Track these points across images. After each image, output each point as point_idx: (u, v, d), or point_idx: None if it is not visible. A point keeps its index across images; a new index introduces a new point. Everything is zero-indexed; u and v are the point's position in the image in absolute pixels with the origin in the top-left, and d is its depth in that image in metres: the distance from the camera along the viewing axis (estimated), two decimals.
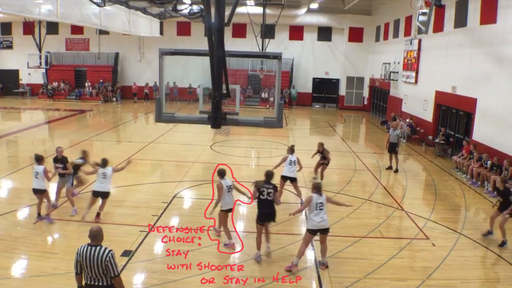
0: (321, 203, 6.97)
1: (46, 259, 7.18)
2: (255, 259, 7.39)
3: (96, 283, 4.61)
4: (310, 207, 7.00)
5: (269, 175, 7.55)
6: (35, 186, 8.58)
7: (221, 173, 7.83)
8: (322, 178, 12.10)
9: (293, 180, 10.28)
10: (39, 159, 8.66)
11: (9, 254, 7.31)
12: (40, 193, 8.62)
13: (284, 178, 10.29)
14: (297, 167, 10.32)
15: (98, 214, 8.79)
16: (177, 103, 28.99)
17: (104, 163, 8.84)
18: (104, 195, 8.85)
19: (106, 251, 4.57)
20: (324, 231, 7.08)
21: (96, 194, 8.80)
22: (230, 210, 7.83)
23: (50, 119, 23.90)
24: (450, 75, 16.64)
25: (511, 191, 8.54)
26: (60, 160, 9.19)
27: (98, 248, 4.58)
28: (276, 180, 8.01)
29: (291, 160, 10.26)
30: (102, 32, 29.41)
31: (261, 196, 7.35)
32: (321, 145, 12.12)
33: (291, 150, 10.53)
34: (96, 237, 4.66)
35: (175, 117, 8.50)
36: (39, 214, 8.78)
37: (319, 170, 12.23)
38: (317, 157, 12.31)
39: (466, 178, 13.29)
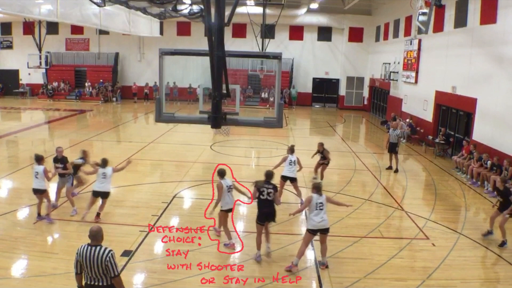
0: (321, 203, 6.97)
1: (46, 259, 7.18)
2: (255, 259, 7.39)
3: (96, 283, 4.61)
4: (310, 207, 7.00)
5: (269, 175, 7.55)
6: (35, 186, 8.59)
7: (221, 173, 7.83)
8: (322, 178, 12.10)
9: (293, 180, 10.28)
10: (39, 159, 8.67)
11: (9, 254, 7.31)
12: (40, 193, 8.63)
13: (284, 178, 10.28)
14: (297, 167, 10.33)
15: (98, 214, 8.79)
16: (177, 103, 29.00)
17: (104, 163, 8.84)
18: (104, 195, 8.85)
19: (106, 251, 4.57)
20: (324, 231, 7.09)
21: (96, 194, 8.81)
22: (230, 210, 7.82)
23: (50, 119, 23.90)
24: (450, 75, 16.63)
25: (511, 191, 8.54)
26: (60, 160, 9.19)
27: (98, 248, 4.58)
28: (276, 180, 8.00)
29: (291, 160, 10.25)
30: (102, 32, 29.41)
31: (261, 196, 7.35)
32: (321, 145, 12.11)
33: (291, 150, 10.51)
34: (96, 237, 4.66)
35: (175, 117, 8.52)
36: (39, 214, 8.78)
37: (319, 170, 12.23)
38: (317, 157, 12.31)
39: (466, 178, 13.29)
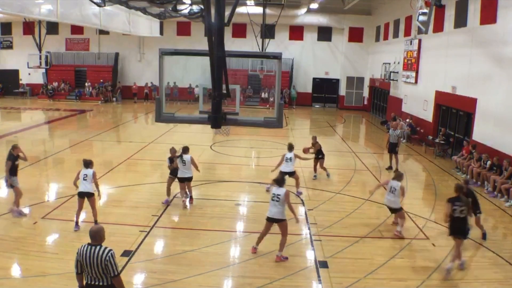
0: (394, 187, 8.62)
1: (46, 259, 7.18)
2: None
3: (97, 283, 4.62)
4: (387, 188, 8.79)
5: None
6: (84, 189, 8.22)
7: (277, 181, 7.64)
8: (327, 173, 12.55)
9: (292, 174, 10.90)
10: (88, 164, 8.37)
11: (9, 254, 7.31)
12: (89, 196, 8.30)
13: (283, 174, 10.63)
14: (295, 162, 10.92)
15: (191, 197, 9.70)
16: (177, 103, 28.98)
17: (185, 151, 9.67)
18: (189, 179, 9.78)
19: (106, 251, 4.58)
20: (390, 210, 8.89)
21: (182, 180, 9.71)
22: (268, 219, 7.48)
23: (50, 119, 23.89)
24: (450, 75, 16.63)
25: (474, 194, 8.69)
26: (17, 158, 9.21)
27: (98, 247, 4.59)
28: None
29: (286, 158, 10.94)
30: (102, 32, 29.41)
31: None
32: (314, 138, 12.75)
33: (288, 148, 11.15)
34: (95, 236, 4.66)
35: (175, 117, 8.49)
36: (77, 223, 8.39)
37: (318, 166, 12.56)
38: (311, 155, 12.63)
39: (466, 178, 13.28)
